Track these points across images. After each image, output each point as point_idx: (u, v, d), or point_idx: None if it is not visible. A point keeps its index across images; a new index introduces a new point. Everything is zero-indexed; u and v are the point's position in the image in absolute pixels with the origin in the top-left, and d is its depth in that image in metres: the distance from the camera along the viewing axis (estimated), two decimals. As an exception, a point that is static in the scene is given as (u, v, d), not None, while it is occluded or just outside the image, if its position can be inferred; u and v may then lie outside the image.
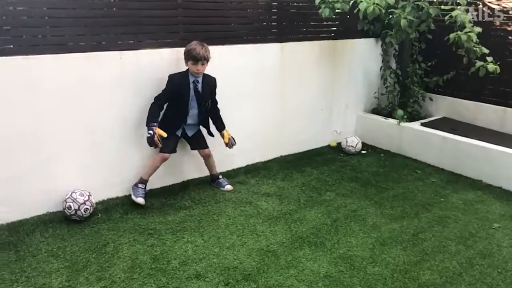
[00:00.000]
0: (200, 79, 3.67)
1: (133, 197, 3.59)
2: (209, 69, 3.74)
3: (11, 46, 3.12)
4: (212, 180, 4.07)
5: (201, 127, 3.89)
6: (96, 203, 3.48)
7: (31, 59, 3.13)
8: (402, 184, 4.25)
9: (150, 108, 3.59)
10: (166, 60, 3.75)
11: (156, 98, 3.62)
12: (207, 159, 3.98)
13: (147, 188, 3.70)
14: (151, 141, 3.48)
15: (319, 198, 3.88)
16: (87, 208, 3.29)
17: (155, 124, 3.52)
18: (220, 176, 4.07)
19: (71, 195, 3.28)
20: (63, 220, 3.32)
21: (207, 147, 3.91)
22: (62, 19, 3.26)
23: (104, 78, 3.47)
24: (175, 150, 3.76)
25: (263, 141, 4.61)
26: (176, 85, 3.60)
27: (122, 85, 3.57)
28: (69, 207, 3.24)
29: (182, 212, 3.55)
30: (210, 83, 3.76)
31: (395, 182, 4.29)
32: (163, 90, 3.62)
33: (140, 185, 3.64)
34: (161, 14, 3.74)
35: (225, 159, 4.24)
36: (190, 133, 3.83)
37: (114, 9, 3.56)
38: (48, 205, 3.39)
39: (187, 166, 4.08)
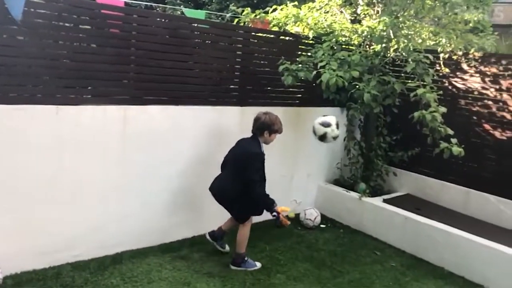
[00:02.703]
0: None
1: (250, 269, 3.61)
2: (162, 131, 3.66)
3: None
4: (219, 237, 3.87)
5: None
6: (6, 277, 3.00)
7: None
8: (359, 267, 3.92)
9: (259, 193, 3.47)
10: (111, 118, 3.46)
11: (257, 181, 3.45)
12: None
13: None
14: (279, 223, 3.43)
15: (267, 282, 3.50)
16: (-11, 286, 2.82)
17: (275, 204, 3.46)
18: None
19: (-28, 268, 2.82)
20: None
21: None
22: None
23: (35, 135, 3.12)
24: None
25: (214, 209, 4.22)
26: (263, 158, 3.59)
27: (56, 143, 3.22)
28: (-32, 284, 2.77)
29: (107, 292, 3.10)
30: None
31: (352, 264, 3.96)
32: (256, 170, 3.46)
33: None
34: (111, 68, 3.48)
35: (169, 229, 3.85)
36: None
37: (65, 60, 3.29)
38: None
39: (123, 236, 3.65)
